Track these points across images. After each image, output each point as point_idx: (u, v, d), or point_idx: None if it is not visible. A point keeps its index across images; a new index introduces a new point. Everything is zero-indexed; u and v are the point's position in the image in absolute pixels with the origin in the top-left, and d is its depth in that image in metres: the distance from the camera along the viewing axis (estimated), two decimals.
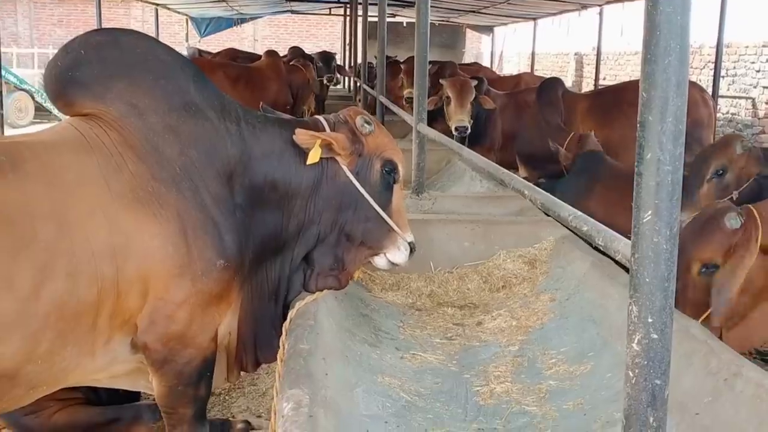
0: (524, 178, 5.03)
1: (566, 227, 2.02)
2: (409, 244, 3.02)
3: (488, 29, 20.80)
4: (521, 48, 22.11)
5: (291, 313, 2.75)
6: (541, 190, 2.41)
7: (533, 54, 16.79)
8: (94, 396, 3.36)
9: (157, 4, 16.66)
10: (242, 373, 3.06)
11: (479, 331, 3.43)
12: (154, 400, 3.48)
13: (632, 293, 1.49)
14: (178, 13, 19.15)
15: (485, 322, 3.50)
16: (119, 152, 2.41)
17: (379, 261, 3.03)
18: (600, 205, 4.33)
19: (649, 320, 1.47)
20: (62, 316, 2.24)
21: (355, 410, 2.38)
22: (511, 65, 23.68)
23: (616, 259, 1.66)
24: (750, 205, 3.06)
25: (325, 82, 11.17)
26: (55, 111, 13.37)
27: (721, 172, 3.92)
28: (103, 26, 12.92)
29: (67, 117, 2.53)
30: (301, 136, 2.72)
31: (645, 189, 1.45)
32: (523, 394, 2.79)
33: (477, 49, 26.61)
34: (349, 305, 3.39)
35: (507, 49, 23.67)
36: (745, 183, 3.83)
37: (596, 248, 2.36)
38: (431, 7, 16.35)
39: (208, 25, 20.68)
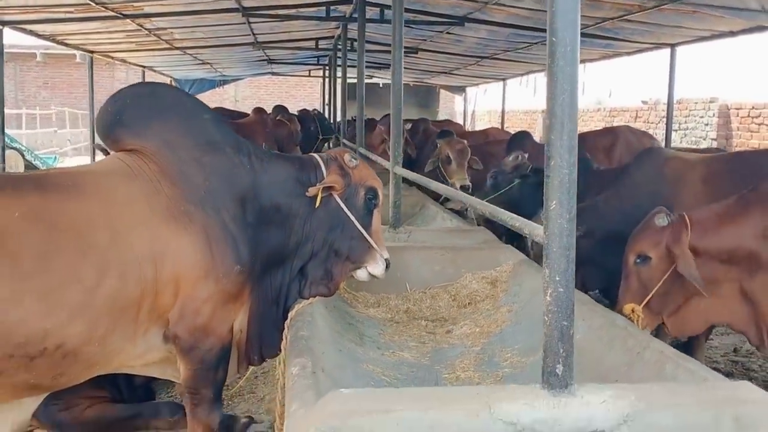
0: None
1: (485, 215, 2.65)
2: (386, 260, 3.63)
3: (460, 89, 21.77)
4: (492, 106, 23.11)
5: (291, 313, 3.34)
6: (469, 195, 3.07)
7: (503, 112, 17.70)
8: (117, 394, 3.92)
9: (144, 67, 17.46)
10: (244, 375, 3.66)
11: (448, 337, 4.03)
12: (169, 398, 4.05)
13: (545, 260, 2.12)
14: (163, 74, 19.91)
15: (453, 331, 4.10)
16: (157, 179, 3.03)
17: (361, 273, 3.62)
18: None
19: (557, 278, 2.09)
20: (114, 307, 2.82)
21: (345, 383, 2.96)
22: (482, 123, 24.66)
23: (535, 240, 2.28)
24: (684, 212, 3.70)
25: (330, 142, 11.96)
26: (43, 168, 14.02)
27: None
28: (91, 87, 13.57)
29: (114, 152, 3.16)
30: (311, 191, 3.36)
31: (551, 186, 2.09)
32: (483, 378, 3.38)
33: (450, 108, 27.69)
34: (338, 315, 3.99)
35: (479, 107, 24.68)
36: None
37: None
38: (406, 69, 17.30)
39: (191, 86, 21.42)
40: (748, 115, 12.03)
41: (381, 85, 21.25)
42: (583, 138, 8.05)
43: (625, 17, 8.03)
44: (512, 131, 15.52)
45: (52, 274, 2.68)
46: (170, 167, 3.07)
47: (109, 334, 2.85)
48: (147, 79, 18.58)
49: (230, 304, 3.13)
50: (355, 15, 9.05)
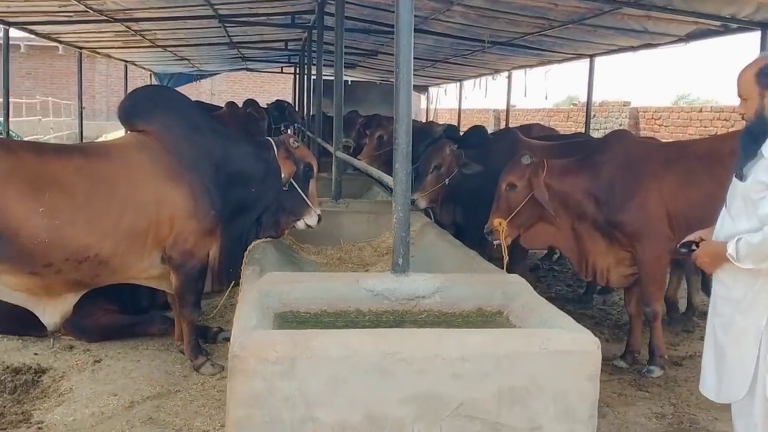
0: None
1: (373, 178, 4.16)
2: (318, 215, 5.12)
3: (423, 88, 23.32)
4: (452, 105, 24.65)
5: (250, 246, 4.83)
6: (371, 167, 4.58)
7: (459, 110, 19.28)
8: (124, 308, 5.38)
9: (127, 61, 18.80)
10: (216, 292, 5.14)
11: (366, 272, 5.53)
12: (161, 312, 5.50)
13: (394, 197, 3.62)
14: (144, 68, 21.20)
15: (370, 269, 5.60)
16: (158, 150, 4.49)
17: (300, 224, 5.11)
18: None
19: (399, 208, 3.59)
20: (131, 234, 4.29)
21: None
22: (443, 119, 26.20)
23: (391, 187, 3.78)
24: (543, 158, 5.21)
25: (282, 129, 13.18)
26: None
27: (436, 167, 6.52)
28: (76, 79, 14.83)
29: (129, 132, 4.64)
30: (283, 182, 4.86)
31: (397, 156, 3.58)
32: None
33: (416, 105, 29.21)
34: (285, 256, 5.47)
35: (440, 105, 26.25)
36: (452, 174, 6.32)
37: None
38: (370, 69, 18.55)
39: (169, 80, 22.60)
40: (652, 117, 13.74)
41: (350, 83, 22.69)
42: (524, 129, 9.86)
43: (542, 33, 9.56)
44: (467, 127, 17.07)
45: (92, 208, 4.15)
46: (167, 143, 4.53)
47: (127, 252, 4.32)
48: (129, 72, 20.03)
49: (207, 237, 4.61)
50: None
